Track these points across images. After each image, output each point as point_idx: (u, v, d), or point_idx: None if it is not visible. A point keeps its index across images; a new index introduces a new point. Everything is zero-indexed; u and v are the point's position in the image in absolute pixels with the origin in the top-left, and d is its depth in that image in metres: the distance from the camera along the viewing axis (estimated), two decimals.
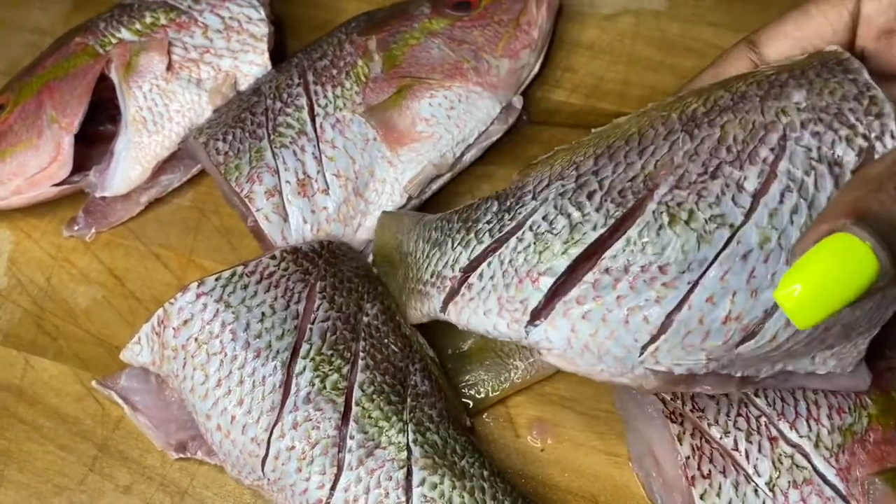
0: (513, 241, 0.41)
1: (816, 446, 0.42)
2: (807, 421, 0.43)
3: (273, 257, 0.50)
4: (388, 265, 0.52)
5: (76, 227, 0.59)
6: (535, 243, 0.40)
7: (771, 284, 0.36)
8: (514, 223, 0.41)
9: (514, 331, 0.40)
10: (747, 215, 0.37)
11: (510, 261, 0.40)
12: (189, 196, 0.61)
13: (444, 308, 0.44)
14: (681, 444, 0.43)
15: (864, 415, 0.43)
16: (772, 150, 0.37)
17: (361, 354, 0.47)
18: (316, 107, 0.56)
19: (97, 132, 0.61)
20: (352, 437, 0.43)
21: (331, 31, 0.61)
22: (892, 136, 0.37)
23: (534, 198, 0.42)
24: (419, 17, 0.58)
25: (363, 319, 0.48)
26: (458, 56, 0.56)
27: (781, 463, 0.42)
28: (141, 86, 0.58)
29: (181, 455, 0.50)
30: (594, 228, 0.39)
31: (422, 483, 0.43)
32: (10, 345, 0.56)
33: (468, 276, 0.42)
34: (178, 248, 0.59)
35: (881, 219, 0.30)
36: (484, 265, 0.42)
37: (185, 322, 0.47)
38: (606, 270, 0.38)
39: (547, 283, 0.39)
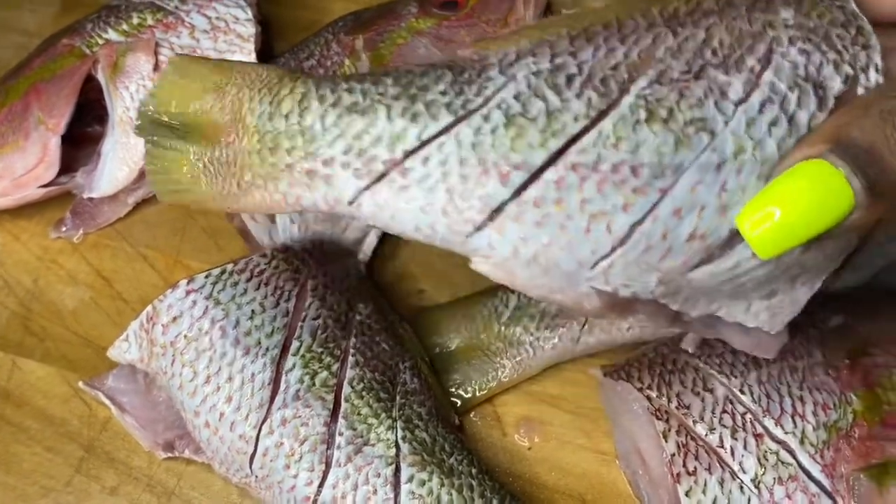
0: (476, 118, 0.34)
1: (801, 443, 0.43)
2: (792, 417, 0.43)
3: (264, 256, 0.50)
4: (180, 131, 0.38)
5: (64, 229, 0.59)
6: (505, 127, 0.33)
7: (741, 202, 0.33)
8: (479, 98, 0.34)
9: (453, 233, 0.35)
10: (727, 124, 0.33)
11: (472, 144, 0.34)
12: None
13: (354, 198, 0.36)
14: (666, 442, 0.43)
15: (848, 411, 0.43)
16: (758, 60, 0.34)
17: (351, 352, 0.47)
18: None
19: (84, 133, 0.61)
20: (341, 434, 0.43)
21: (318, 30, 0.61)
22: (876, 70, 0.35)
23: (501, 72, 0.35)
24: (406, 16, 0.58)
25: (355, 318, 0.49)
26: (446, 55, 0.57)
27: (767, 459, 0.42)
28: (128, 86, 0.58)
29: (169, 454, 0.50)
30: (575, 119, 0.33)
31: (410, 480, 0.43)
32: None
33: (406, 159, 0.34)
34: (166, 250, 0.59)
35: (860, 146, 0.28)
36: (433, 146, 0.34)
37: (175, 319, 0.47)
38: (573, 167, 0.33)
39: (518, 178, 0.33)
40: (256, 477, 0.45)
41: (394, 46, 0.57)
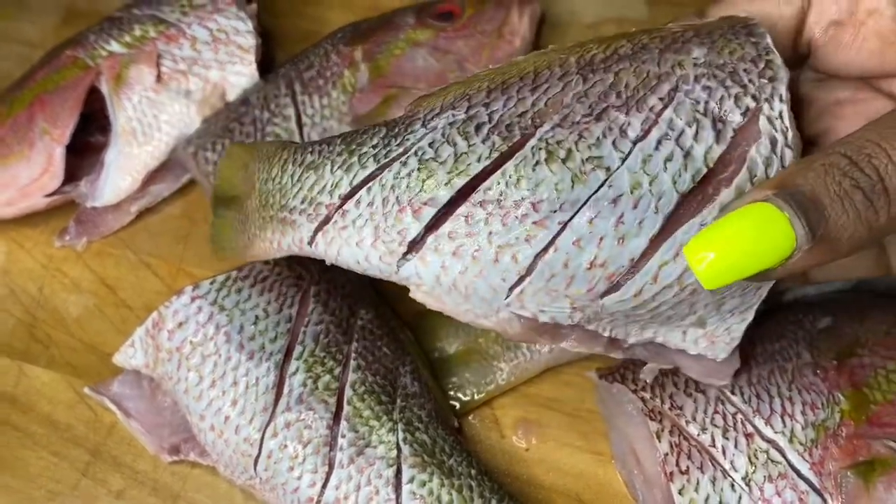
0: (396, 165, 0.39)
1: (791, 441, 0.44)
2: (781, 417, 0.44)
3: (267, 263, 0.51)
4: (230, 202, 0.47)
5: (67, 237, 0.60)
6: (418, 170, 0.38)
7: (639, 233, 0.36)
8: (400, 149, 0.39)
9: (386, 264, 0.39)
10: (624, 160, 0.36)
11: (392, 187, 0.38)
12: (179, 205, 0.62)
13: (312, 239, 0.41)
14: (659, 442, 0.44)
15: (836, 410, 0.45)
16: (661, 99, 0.37)
17: (353, 356, 0.48)
18: (303, 116, 0.57)
19: (88, 143, 0.62)
20: (343, 437, 0.45)
21: (317, 41, 0.62)
22: (781, 100, 0.36)
23: (423, 125, 0.39)
24: (404, 27, 0.60)
25: (357, 323, 0.50)
26: (443, 66, 0.58)
27: (757, 458, 0.44)
28: (130, 97, 0.59)
29: (174, 458, 0.51)
30: (479, 160, 0.37)
31: (411, 481, 0.44)
32: (3, 353, 0.57)
33: (344, 203, 0.40)
34: (169, 257, 0.60)
35: (804, 193, 0.30)
36: (363, 191, 0.39)
37: (180, 324, 0.48)
38: (480, 204, 0.37)
39: (428, 213, 0.37)
40: (261, 479, 0.46)
41: (392, 57, 0.58)
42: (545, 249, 0.36)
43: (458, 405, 0.51)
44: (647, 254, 0.36)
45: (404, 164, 0.39)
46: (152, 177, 0.60)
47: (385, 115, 0.57)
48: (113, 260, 0.60)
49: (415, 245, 0.38)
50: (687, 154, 0.36)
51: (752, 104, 0.36)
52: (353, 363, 0.48)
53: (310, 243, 0.41)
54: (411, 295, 0.39)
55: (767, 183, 0.32)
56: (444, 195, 0.37)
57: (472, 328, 0.52)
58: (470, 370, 0.52)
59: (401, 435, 0.45)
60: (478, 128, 0.38)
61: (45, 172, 0.59)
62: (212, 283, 0.49)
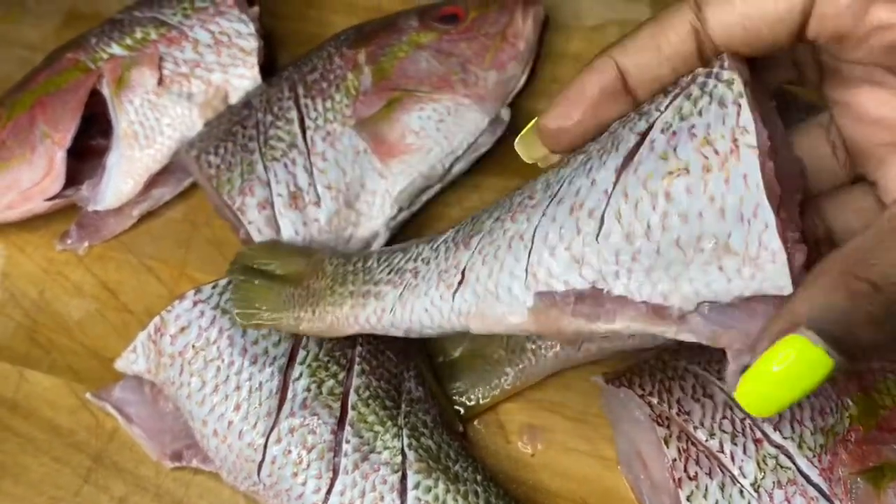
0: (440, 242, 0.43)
1: (800, 447, 0.43)
2: (790, 423, 0.44)
3: None
4: (275, 277, 0.48)
5: (69, 241, 0.60)
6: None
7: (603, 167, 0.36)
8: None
9: (445, 301, 0.41)
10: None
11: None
12: (181, 209, 0.62)
13: (392, 306, 0.42)
14: (667, 447, 0.44)
15: (845, 416, 0.44)
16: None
17: (357, 360, 0.48)
18: (306, 119, 0.57)
19: (89, 146, 0.62)
20: (347, 442, 0.44)
21: (320, 44, 0.62)
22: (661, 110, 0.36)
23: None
24: (407, 30, 0.59)
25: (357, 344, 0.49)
26: (447, 68, 0.58)
27: (766, 464, 0.43)
28: (132, 100, 0.59)
29: (176, 464, 0.50)
30: None
31: (416, 486, 0.44)
32: (4, 358, 0.57)
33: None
34: (171, 261, 0.59)
35: (836, 324, 0.31)
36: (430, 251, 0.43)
37: (182, 329, 0.48)
38: None
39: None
40: (264, 485, 0.45)
41: (395, 60, 0.58)
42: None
43: (462, 410, 0.51)
44: (616, 184, 0.36)
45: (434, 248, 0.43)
46: (154, 180, 0.60)
47: (389, 118, 0.56)
48: (115, 264, 0.60)
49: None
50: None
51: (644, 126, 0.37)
52: (357, 368, 0.47)
53: (391, 310, 0.42)
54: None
55: (793, 308, 0.32)
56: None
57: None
58: (474, 375, 0.51)
59: (405, 440, 0.45)
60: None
61: (47, 176, 0.58)
62: (214, 287, 0.49)
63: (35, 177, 0.58)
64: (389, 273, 0.43)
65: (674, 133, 0.35)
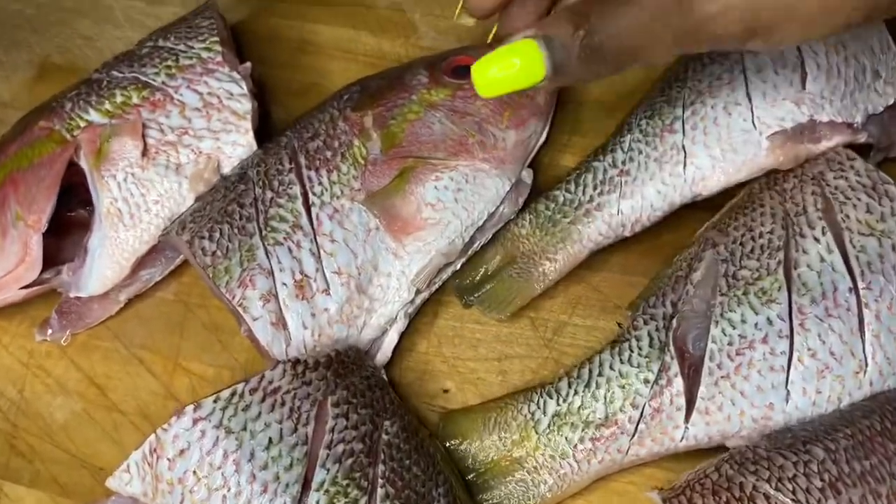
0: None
1: None
2: None
3: (276, 369, 0.45)
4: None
5: (49, 331, 0.54)
6: None
7: None
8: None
9: None
10: None
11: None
12: (172, 289, 0.56)
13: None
14: None
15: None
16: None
17: (381, 481, 0.42)
18: (311, 195, 0.51)
19: (68, 218, 0.56)
20: None
21: (321, 103, 0.56)
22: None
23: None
24: (417, 87, 0.53)
25: (382, 439, 0.44)
26: (462, 130, 0.52)
27: None
28: (114, 175, 0.53)
29: None
30: None
31: None
32: None
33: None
34: (164, 350, 0.54)
35: (557, 41, 0.40)
36: None
37: (182, 452, 0.42)
38: None
39: None
40: None
41: (406, 123, 0.52)
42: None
43: None
44: None
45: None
46: (142, 260, 0.54)
47: (401, 191, 0.50)
48: (101, 354, 0.54)
49: None
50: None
51: None
52: (380, 491, 0.42)
53: (618, 212, 0.51)
54: None
55: (535, 24, 0.41)
56: None
57: (509, 433, 0.47)
58: (510, 483, 0.46)
59: None
60: None
61: (21, 263, 0.52)
62: (216, 402, 0.43)
63: (8, 264, 0.52)
64: (594, 190, 0.51)
65: None
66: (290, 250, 0.49)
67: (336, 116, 0.53)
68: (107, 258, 0.52)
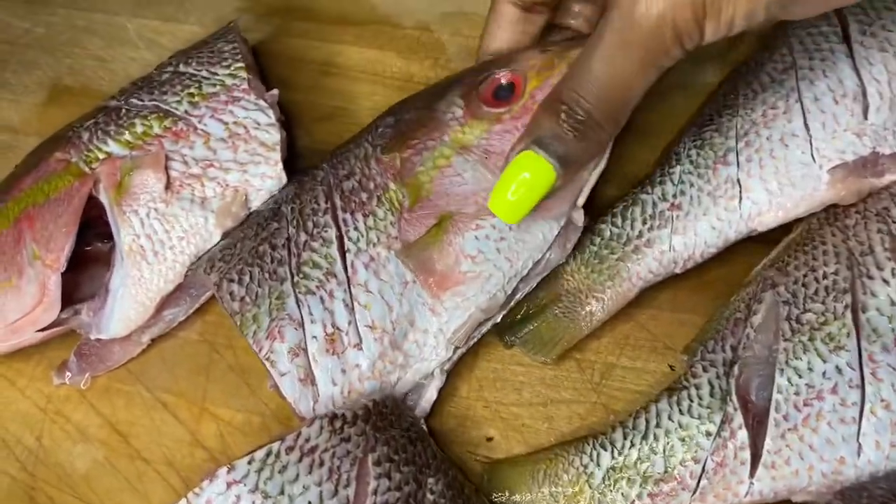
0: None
1: None
2: None
3: (312, 426, 0.42)
4: None
5: (68, 375, 0.51)
6: None
7: None
8: None
9: None
10: None
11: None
12: (197, 328, 0.53)
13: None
14: None
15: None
16: None
17: None
18: (346, 241, 0.47)
19: (86, 253, 0.53)
20: None
21: (357, 135, 0.52)
22: None
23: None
24: (450, 124, 0.48)
25: (427, 498, 0.41)
26: (497, 177, 0.45)
27: None
28: (136, 210, 0.50)
29: None
30: None
31: None
32: None
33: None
34: (189, 394, 0.51)
35: (546, 138, 0.41)
36: None
37: None
38: None
39: None
40: None
41: (434, 170, 0.47)
42: None
43: None
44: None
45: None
46: (166, 300, 0.51)
47: (440, 241, 0.46)
48: (123, 398, 0.51)
49: None
50: None
51: None
52: None
53: (669, 249, 0.49)
54: None
55: (520, 137, 0.43)
56: None
57: (560, 486, 0.44)
58: None
59: None
60: None
61: (39, 304, 0.49)
62: (250, 463, 0.41)
63: (24, 306, 0.49)
64: (643, 225, 0.49)
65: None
66: (322, 300, 0.46)
67: (370, 154, 0.50)
68: (129, 298, 0.50)
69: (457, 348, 0.47)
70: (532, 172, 0.41)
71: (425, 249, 0.46)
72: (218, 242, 0.51)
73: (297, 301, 0.46)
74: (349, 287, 0.47)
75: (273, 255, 0.48)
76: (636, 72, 0.39)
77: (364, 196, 0.49)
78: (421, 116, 0.50)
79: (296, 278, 0.47)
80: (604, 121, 0.41)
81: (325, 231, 0.48)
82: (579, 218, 0.48)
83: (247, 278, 0.47)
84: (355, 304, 0.46)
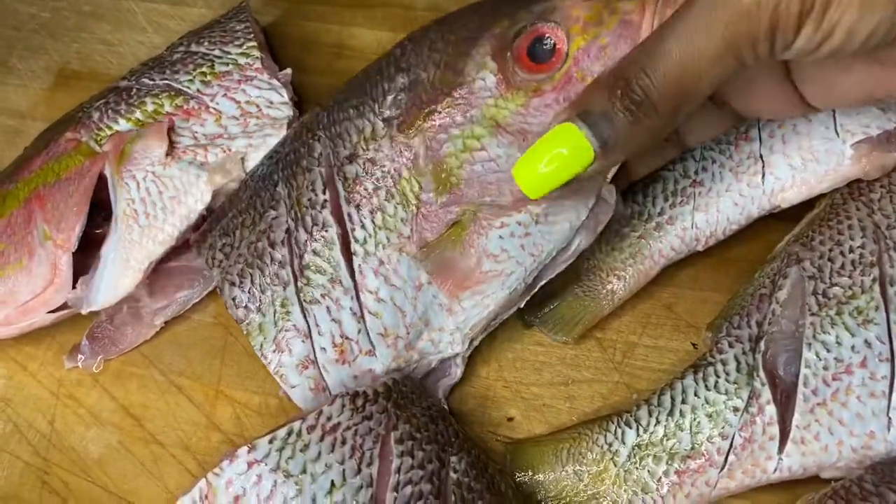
0: None
1: None
2: None
3: (333, 404, 0.41)
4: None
5: (80, 358, 0.50)
6: None
7: None
8: None
9: None
10: None
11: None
12: (210, 311, 0.52)
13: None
14: None
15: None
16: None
17: None
18: (352, 241, 0.44)
19: (94, 236, 0.52)
20: None
21: (357, 88, 0.46)
22: None
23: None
24: (481, 94, 0.41)
25: (450, 476, 0.40)
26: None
27: None
28: (134, 175, 0.49)
29: None
30: None
31: None
32: None
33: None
34: (203, 377, 0.50)
35: (593, 112, 0.37)
36: None
37: (237, 499, 0.39)
38: None
39: None
40: None
41: (465, 153, 0.41)
42: None
43: None
44: None
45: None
46: (180, 281, 0.50)
47: (461, 241, 0.42)
48: (136, 381, 0.51)
49: None
50: None
51: None
52: None
53: (692, 226, 0.47)
54: None
55: (568, 106, 0.38)
56: None
57: (584, 465, 0.44)
58: None
59: None
60: None
61: (50, 285, 0.49)
62: (271, 442, 0.40)
63: (35, 287, 0.49)
64: (665, 202, 0.47)
65: None
66: (328, 310, 0.44)
67: (378, 131, 0.44)
68: (120, 263, 0.48)
69: (473, 340, 0.46)
70: (569, 149, 0.37)
71: (444, 252, 0.43)
72: (214, 218, 0.48)
73: (303, 310, 0.44)
74: (357, 295, 0.44)
75: (273, 255, 0.45)
76: (713, 58, 0.35)
77: (370, 186, 0.44)
78: (445, 80, 0.42)
79: (299, 283, 0.45)
80: (662, 107, 0.36)
81: (326, 230, 0.44)
82: (610, 195, 0.44)
83: (248, 282, 0.45)
84: (365, 312, 0.44)
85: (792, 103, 0.42)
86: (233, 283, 0.46)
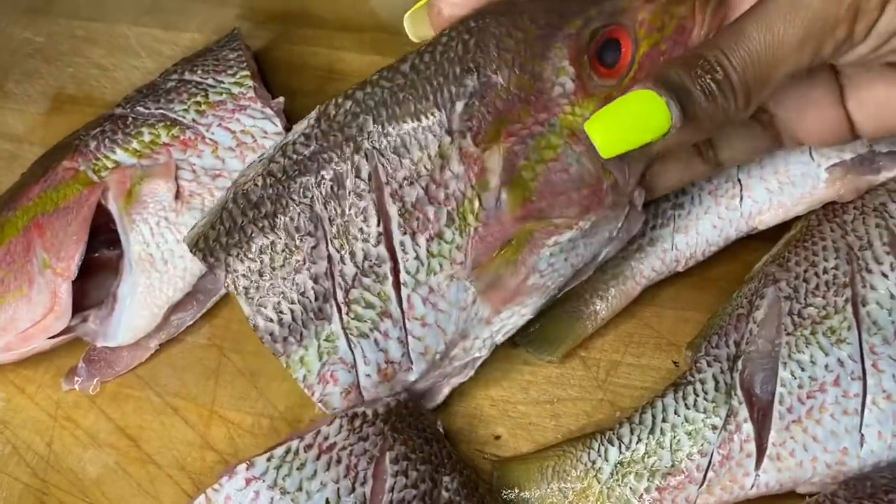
0: None
1: None
2: None
3: (331, 425, 0.43)
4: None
5: (77, 380, 0.52)
6: None
7: None
8: None
9: None
10: None
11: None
12: (205, 332, 0.53)
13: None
14: None
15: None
16: None
17: None
18: (402, 273, 0.42)
19: (93, 260, 0.53)
20: None
21: (406, 92, 0.41)
22: None
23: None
24: (559, 101, 0.39)
25: (442, 496, 0.42)
26: (598, 170, 0.40)
27: None
28: (146, 219, 0.50)
29: None
30: None
31: None
32: None
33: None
34: (198, 398, 0.51)
35: (676, 83, 0.37)
36: None
37: None
38: None
39: None
40: None
41: (541, 164, 0.39)
42: None
43: None
44: None
45: None
46: (174, 306, 0.52)
47: (514, 262, 0.41)
48: (133, 403, 0.52)
49: None
50: None
51: None
52: None
53: (672, 248, 0.49)
54: None
55: (649, 75, 0.38)
56: None
57: (568, 482, 0.45)
58: None
59: None
60: None
61: (50, 313, 0.50)
62: (269, 460, 0.41)
63: (35, 315, 0.50)
64: (646, 224, 0.47)
65: None
66: (376, 342, 0.44)
67: (447, 148, 0.40)
68: (138, 307, 0.50)
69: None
70: (647, 112, 0.36)
71: (498, 273, 0.42)
72: (218, 220, 0.45)
73: (349, 343, 0.44)
74: (404, 323, 0.43)
75: (316, 290, 0.43)
76: (794, 45, 0.36)
77: (430, 211, 0.41)
78: (521, 85, 0.40)
79: (345, 319, 0.43)
80: (740, 90, 0.37)
81: (380, 266, 0.42)
82: (640, 200, 0.43)
83: (288, 318, 0.43)
84: (410, 338, 0.44)
85: (841, 129, 0.43)
86: (269, 320, 0.43)
